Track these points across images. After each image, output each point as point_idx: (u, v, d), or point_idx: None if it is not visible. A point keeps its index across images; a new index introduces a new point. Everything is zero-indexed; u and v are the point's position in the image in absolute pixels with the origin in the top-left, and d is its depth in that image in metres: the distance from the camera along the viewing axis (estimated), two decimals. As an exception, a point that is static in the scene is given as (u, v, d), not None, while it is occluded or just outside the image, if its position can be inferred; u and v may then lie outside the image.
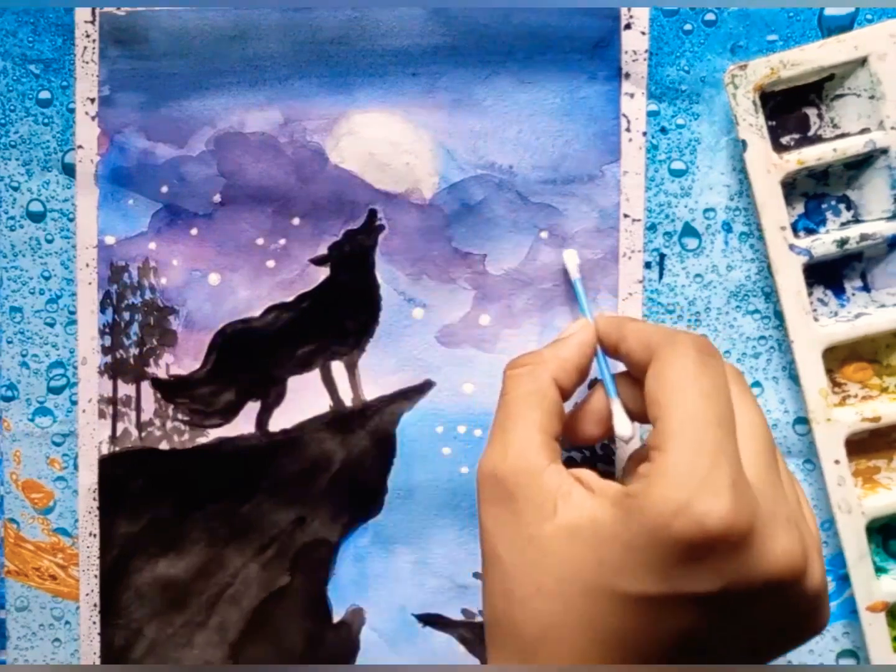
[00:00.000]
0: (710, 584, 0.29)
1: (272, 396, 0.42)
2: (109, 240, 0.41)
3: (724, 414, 0.31)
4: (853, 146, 0.39)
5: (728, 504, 0.29)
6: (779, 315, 0.40)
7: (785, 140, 0.40)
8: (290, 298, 0.42)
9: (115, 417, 0.42)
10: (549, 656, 0.31)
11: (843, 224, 0.40)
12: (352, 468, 0.42)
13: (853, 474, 0.40)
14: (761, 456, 0.31)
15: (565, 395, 0.35)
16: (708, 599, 0.29)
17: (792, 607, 0.31)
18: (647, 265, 0.40)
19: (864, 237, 0.39)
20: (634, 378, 0.35)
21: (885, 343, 0.40)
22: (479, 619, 0.42)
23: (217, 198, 0.41)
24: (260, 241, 0.41)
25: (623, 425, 0.35)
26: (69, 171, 0.41)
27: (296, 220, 0.41)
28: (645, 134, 0.40)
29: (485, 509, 0.32)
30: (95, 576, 0.42)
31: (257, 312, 0.42)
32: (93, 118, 0.41)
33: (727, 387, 0.32)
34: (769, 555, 0.30)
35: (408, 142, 0.40)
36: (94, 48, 0.40)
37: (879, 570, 0.40)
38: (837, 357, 0.40)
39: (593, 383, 0.38)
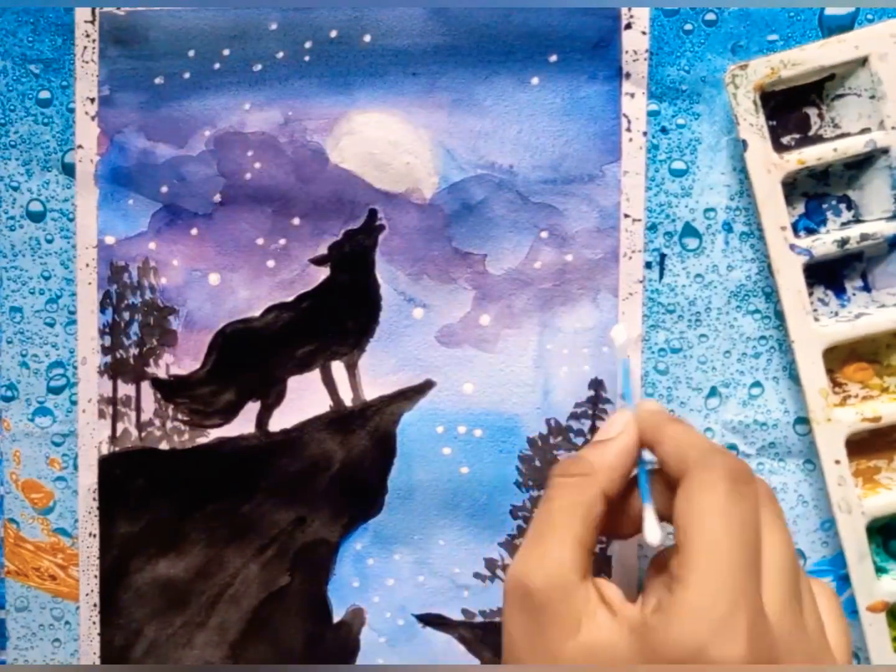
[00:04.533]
0: None
1: (272, 396, 0.42)
2: (109, 240, 0.41)
3: (750, 551, 0.30)
4: (854, 146, 0.39)
5: (743, 650, 0.29)
6: (779, 315, 0.40)
7: (785, 140, 0.40)
8: (290, 298, 0.42)
9: (115, 417, 0.42)
10: None
11: (843, 224, 0.40)
12: (352, 468, 0.42)
13: (853, 474, 0.40)
14: (783, 588, 0.31)
15: (609, 503, 0.34)
16: None
17: None
18: (648, 265, 0.40)
19: (864, 237, 0.39)
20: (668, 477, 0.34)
21: (886, 343, 0.40)
22: (478, 619, 0.42)
23: (217, 198, 0.41)
24: (260, 241, 0.41)
25: (652, 532, 0.34)
26: (69, 170, 0.41)
27: (296, 220, 0.41)
28: (645, 134, 0.40)
29: (510, 615, 0.32)
30: (95, 576, 0.42)
31: (257, 312, 0.42)
32: (93, 118, 0.41)
33: (756, 519, 0.31)
34: None
35: (408, 142, 0.40)
36: (93, 48, 0.40)
37: (880, 570, 0.40)
38: (838, 357, 0.40)
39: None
